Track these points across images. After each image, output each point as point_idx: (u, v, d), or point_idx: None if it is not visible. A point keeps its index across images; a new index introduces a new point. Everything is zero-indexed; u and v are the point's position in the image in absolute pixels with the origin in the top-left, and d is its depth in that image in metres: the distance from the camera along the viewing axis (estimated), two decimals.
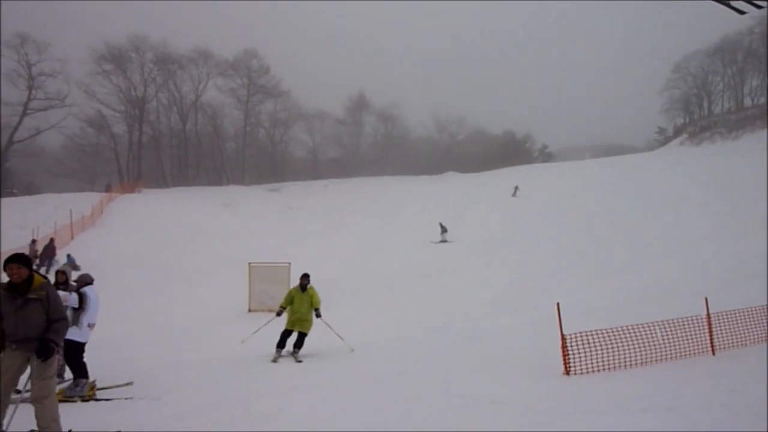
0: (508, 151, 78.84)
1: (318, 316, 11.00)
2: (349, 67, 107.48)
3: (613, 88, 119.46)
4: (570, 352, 7.64)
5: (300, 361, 10.20)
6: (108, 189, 46.94)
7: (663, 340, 8.14)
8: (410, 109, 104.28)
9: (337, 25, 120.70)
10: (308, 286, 11.07)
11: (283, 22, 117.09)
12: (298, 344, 10.66)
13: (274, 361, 10.24)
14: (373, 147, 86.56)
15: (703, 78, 74.72)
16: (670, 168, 41.28)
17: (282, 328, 10.89)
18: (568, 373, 7.54)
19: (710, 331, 8.46)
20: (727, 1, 8.98)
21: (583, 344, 7.74)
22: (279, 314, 11.00)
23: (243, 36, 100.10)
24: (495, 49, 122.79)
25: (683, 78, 75.77)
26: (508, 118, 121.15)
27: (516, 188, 42.64)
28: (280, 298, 11.75)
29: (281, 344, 10.59)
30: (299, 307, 10.80)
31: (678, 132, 73.58)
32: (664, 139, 77.14)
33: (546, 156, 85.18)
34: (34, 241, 25.03)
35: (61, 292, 7.70)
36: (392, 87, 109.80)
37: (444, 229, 31.48)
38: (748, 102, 70.09)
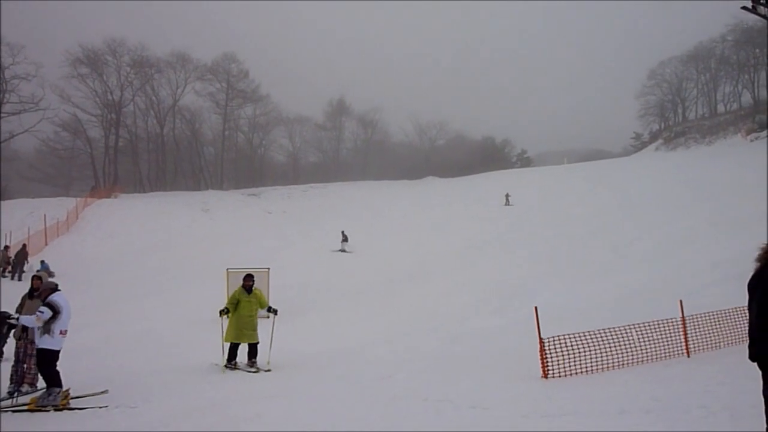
0: (488, 157, 79.65)
1: (275, 313, 10.38)
2: (329, 71, 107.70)
3: (590, 94, 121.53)
4: (548, 355, 7.69)
5: (268, 370, 9.78)
6: (93, 192, 46.32)
7: (639, 342, 8.24)
8: (390, 114, 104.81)
9: (317, 30, 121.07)
10: (253, 287, 10.44)
11: (262, 26, 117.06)
12: (253, 354, 10.05)
13: (231, 368, 9.83)
14: (353, 152, 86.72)
15: (677, 84, 76.24)
16: (647, 172, 41.94)
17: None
18: (546, 376, 7.59)
19: (685, 334, 8.58)
20: (753, 10, 9.26)
21: (561, 347, 7.79)
22: (222, 313, 10.11)
23: (221, 40, 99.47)
24: (475, 56, 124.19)
25: (658, 84, 77.27)
26: (488, 124, 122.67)
27: (507, 196, 40.56)
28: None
29: (233, 356, 9.96)
30: (245, 311, 10.03)
31: (654, 137, 75.00)
32: (640, 144, 78.56)
33: (525, 161, 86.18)
34: (6, 248, 24.51)
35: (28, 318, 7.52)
36: (373, 92, 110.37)
37: (345, 238, 31.16)
38: (721, 108, 71.66)
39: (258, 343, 10.16)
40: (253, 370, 9.80)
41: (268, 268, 18.01)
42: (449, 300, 18.12)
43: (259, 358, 10.11)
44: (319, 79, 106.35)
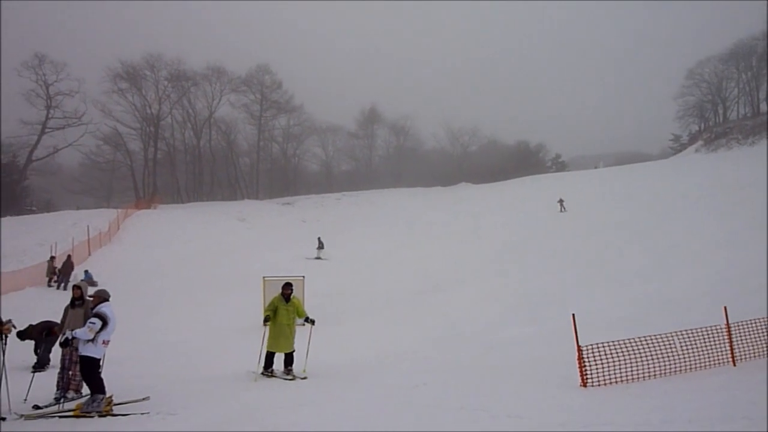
0: (521, 161, 78.79)
1: (312, 323, 10.37)
2: (360, 80, 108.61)
3: (626, 96, 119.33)
4: (587, 364, 7.54)
5: (305, 378, 9.83)
6: (134, 204, 47.96)
7: (682, 350, 8.01)
8: (422, 121, 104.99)
9: (348, 40, 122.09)
10: (292, 296, 10.42)
11: (295, 37, 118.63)
12: (289, 362, 10.09)
13: (268, 376, 9.95)
14: (386, 159, 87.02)
15: (717, 84, 74.12)
16: (686, 175, 40.91)
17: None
18: (585, 384, 7.45)
19: (730, 341, 8.31)
20: None
21: (600, 355, 7.64)
22: (266, 322, 10.10)
23: (255, 52, 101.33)
24: (507, 60, 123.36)
25: (697, 84, 75.25)
26: (521, 128, 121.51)
27: (561, 201, 38.06)
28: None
29: (269, 364, 10.07)
30: (282, 319, 10.04)
31: (693, 139, 73.06)
32: (679, 146, 76.68)
33: (559, 165, 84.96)
34: (52, 258, 25.34)
35: (82, 331, 7.74)
36: (404, 99, 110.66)
37: (320, 245, 30.93)
38: (764, 107, 69.44)
39: (294, 351, 10.23)
40: (289, 377, 9.87)
41: (303, 277, 18.17)
42: (483, 308, 17.97)
43: (295, 366, 10.18)
44: (350, 88, 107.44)
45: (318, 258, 30.29)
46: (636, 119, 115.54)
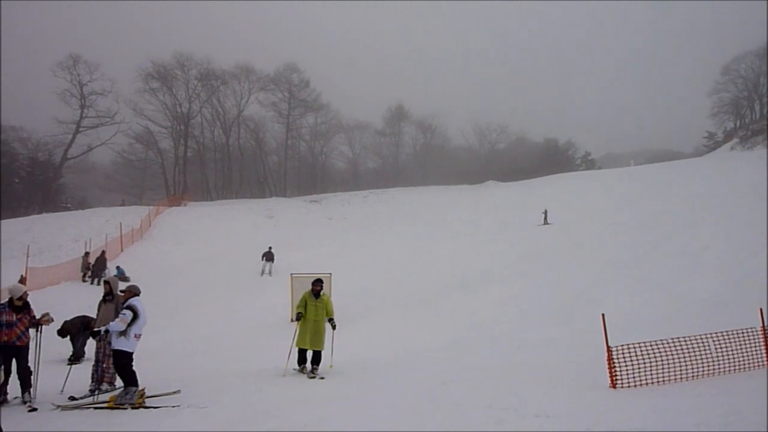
0: (550, 159, 77.64)
1: (333, 327, 10.36)
2: (387, 78, 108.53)
3: (659, 93, 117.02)
4: (617, 365, 7.44)
5: (323, 378, 9.83)
6: (165, 201, 49.14)
7: (716, 353, 7.85)
8: (450, 119, 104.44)
9: (375, 38, 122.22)
10: (322, 293, 10.47)
11: (322, 36, 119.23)
12: (316, 361, 10.22)
13: (300, 372, 10.14)
14: (413, 157, 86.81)
15: (754, 80, 71.94)
16: (721, 174, 39.84)
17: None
18: (614, 386, 7.35)
19: (766, 344, 8.11)
20: None
21: (630, 357, 7.53)
22: (299, 318, 10.14)
23: (283, 51, 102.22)
24: (536, 56, 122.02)
25: (733, 81, 73.21)
26: (550, 126, 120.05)
27: (545, 213, 35.24)
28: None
29: (302, 360, 10.23)
30: (312, 315, 10.14)
31: (728, 137, 71.12)
32: (713, 144, 74.80)
33: (589, 163, 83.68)
34: (86, 254, 25.96)
35: (115, 324, 7.92)
36: (431, 97, 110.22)
37: (269, 257, 27.10)
38: None
39: (322, 350, 10.29)
40: (313, 376, 9.96)
41: (330, 274, 18.27)
42: (510, 307, 17.82)
43: (322, 363, 10.28)
44: (377, 86, 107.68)
45: (266, 273, 26.64)
46: (668, 117, 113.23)
